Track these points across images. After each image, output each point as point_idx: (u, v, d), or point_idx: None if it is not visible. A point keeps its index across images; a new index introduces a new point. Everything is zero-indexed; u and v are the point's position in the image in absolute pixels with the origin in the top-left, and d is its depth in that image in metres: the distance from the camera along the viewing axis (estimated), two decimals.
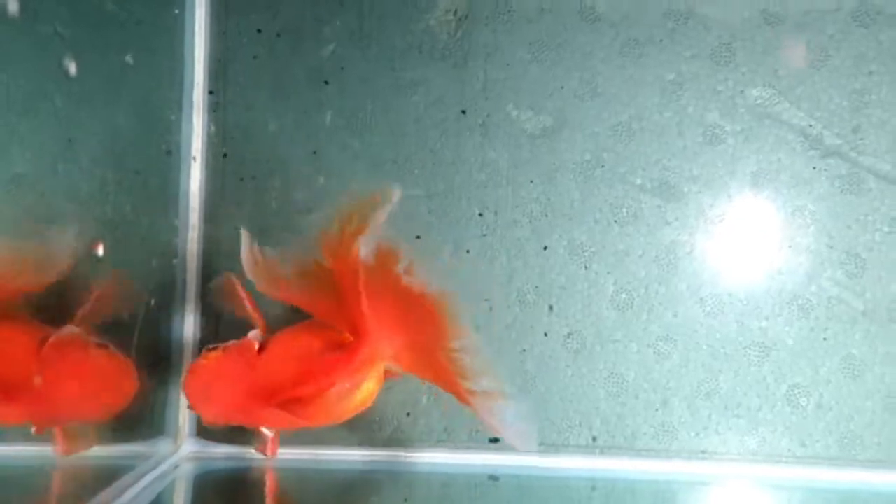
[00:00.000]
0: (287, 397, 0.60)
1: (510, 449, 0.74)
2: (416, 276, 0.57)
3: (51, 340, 0.57)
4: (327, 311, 0.63)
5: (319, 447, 0.75)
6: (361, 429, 0.75)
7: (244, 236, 0.63)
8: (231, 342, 0.64)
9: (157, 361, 0.75)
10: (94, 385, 0.60)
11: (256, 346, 0.64)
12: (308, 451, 0.75)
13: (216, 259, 0.76)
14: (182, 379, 0.68)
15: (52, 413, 0.57)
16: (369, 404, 0.64)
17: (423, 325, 0.59)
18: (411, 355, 0.61)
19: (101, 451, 0.68)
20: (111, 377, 0.62)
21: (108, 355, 0.61)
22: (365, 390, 0.63)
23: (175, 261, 0.76)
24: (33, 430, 0.59)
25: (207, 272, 0.75)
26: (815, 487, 0.72)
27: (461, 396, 0.59)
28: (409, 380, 0.74)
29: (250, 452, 0.73)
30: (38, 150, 0.63)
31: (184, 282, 0.76)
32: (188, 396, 0.64)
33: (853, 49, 0.72)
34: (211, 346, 0.64)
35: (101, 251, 0.66)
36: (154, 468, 0.70)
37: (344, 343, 0.62)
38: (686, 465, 0.74)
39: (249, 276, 0.63)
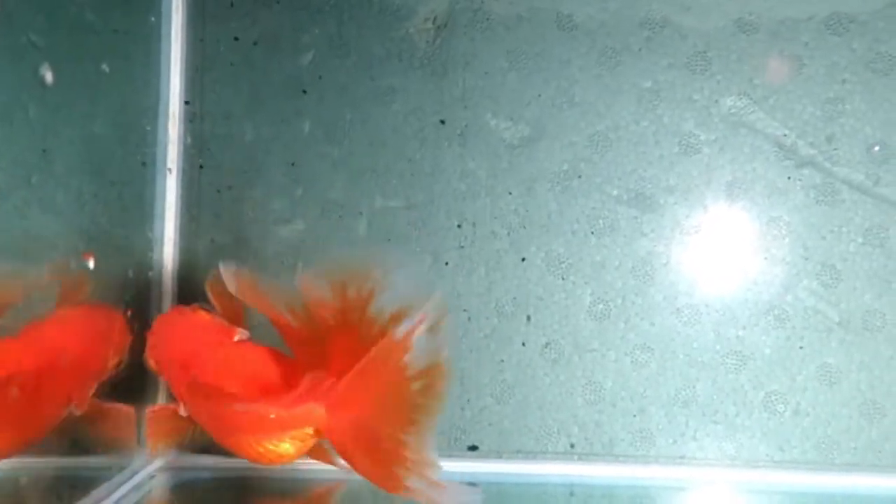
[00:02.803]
0: (203, 382, 0.59)
1: (489, 456, 0.75)
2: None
3: None
4: (299, 347, 0.61)
5: (297, 458, 0.75)
6: None
7: (224, 271, 0.61)
8: (223, 319, 0.64)
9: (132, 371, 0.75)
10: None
11: (237, 338, 0.63)
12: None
13: (192, 271, 0.75)
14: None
15: None
16: (275, 461, 0.59)
17: (389, 412, 0.54)
18: (354, 437, 0.56)
19: (76, 462, 0.68)
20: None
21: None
22: (275, 445, 0.58)
23: (151, 273, 0.75)
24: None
25: (183, 284, 0.75)
26: (793, 492, 0.73)
27: (394, 486, 0.55)
28: None
29: (227, 462, 0.73)
30: (12, 161, 0.63)
31: (160, 294, 0.75)
32: (153, 326, 0.65)
33: (826, 58, 0.73)
34: (206, 307, 0.64)
35: (91, 263, 0.66)
36: (129, 479, 0.70)
37: (296, 387, 0.58)
38: (664, 470, 0.74)
39: (231, 290, 0.62)
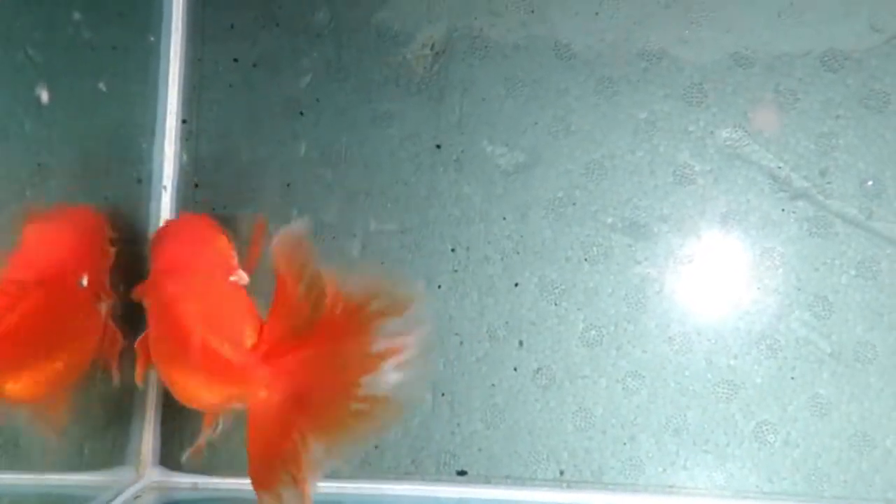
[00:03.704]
0: (177, 297, 0.58)
1: (478, 481, 0.75)
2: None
3: None
4: (280, 319, 0.57)
5: None
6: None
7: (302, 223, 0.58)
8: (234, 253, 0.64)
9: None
10: None
11: (233, 279, 0.63)
12: None
13: None
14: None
15: None
16: (193, 402, 0.59)
17: (317, 414, 0.53)
18: (275, 419, 0.55)
19: (62, 480, 0.67)
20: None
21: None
22: (207, 388, 0.58)
23: None
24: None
25: None
26: None
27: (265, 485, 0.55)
28: None
29: (215, 482, 0.73)
30: (7, 175, 0.63)
31: None
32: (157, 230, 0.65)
33: (821, 93, 0.73)
34: (227, 234, 0.65)
35: (84, 281, 0.65)
36: (115, 497, 0.70)
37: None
38: (653, 499, 0.74)
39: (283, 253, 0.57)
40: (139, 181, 0.75)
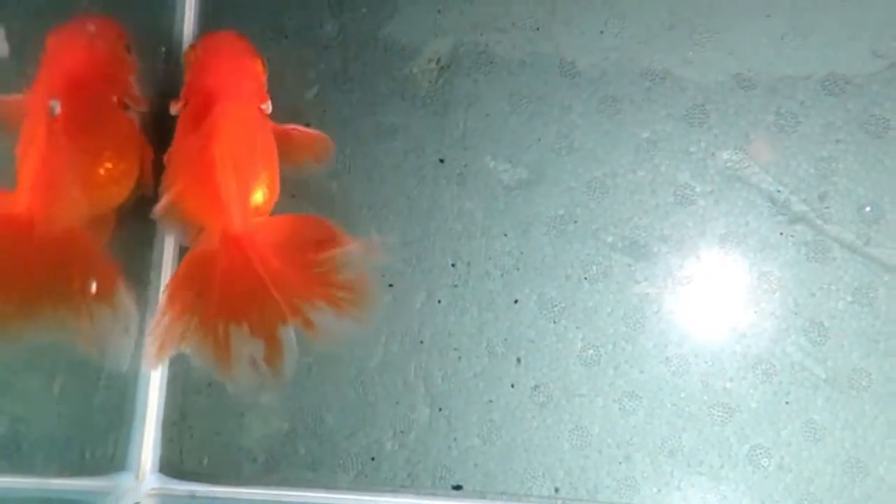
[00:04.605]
0: (213, 106, 0.64)
1: (473, 496, 0.75)
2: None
3: None
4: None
5: (283, 488, 0.75)
6: (325, 471, 0.75)
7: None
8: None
9: None
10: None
11: (266, 107, 0.69)
12: (271, 491, 0.74)
13: None
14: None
15: None
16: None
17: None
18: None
19: (62, 485, 0.67)
20: None
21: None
22: (193, 214, 0.64)
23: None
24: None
25: None
26: None
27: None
28: (375, 423, 0.74)
29: (213, 490, 0.73)
30: None
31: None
32: (205, 37, 0.70)
33: (822, 117, 0.74)
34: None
35: None
36: None
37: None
38: None
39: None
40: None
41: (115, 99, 0.64)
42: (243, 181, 0.63)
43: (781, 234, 0.74)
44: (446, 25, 0.78)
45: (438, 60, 0.78)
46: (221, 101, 0.64)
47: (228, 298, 0.62)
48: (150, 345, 0.63)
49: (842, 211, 0.73)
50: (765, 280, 0.74)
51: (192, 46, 0.69)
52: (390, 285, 0.76)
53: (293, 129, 0.70)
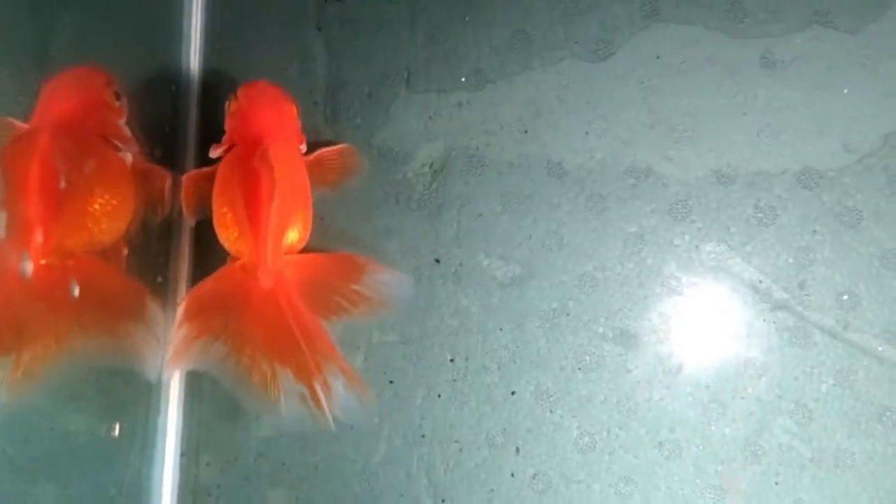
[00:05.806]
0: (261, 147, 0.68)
1: None
2: None
3: None
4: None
5: None
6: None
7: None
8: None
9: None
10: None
11: (303, 147, 0.75)
12: None
13: None
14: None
15: None
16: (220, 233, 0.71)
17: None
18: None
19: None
20: None
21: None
22: (231, 242, 0.70)
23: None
24: None
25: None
26: None
27: None
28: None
29: None
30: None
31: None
32: (243, 86, 0.74)
33: (798, 209, 0.78)
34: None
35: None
36: None
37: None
38: None
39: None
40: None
41: (101, 139, 0.68)
42: (283, 219, 0.68)
43: (764, 320, 0.77)
44: (437, 130, 0.82)
45: (431, 165, 0.81)
46: (268, 142, 0.69)
47: (269, 341, 0.67)
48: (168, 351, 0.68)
49: (821, 298, 0.77)
50: (750, 365, 0.77)
51: (234, 96, 0.73)
52: (391, 382, 0.79)
53: (321, 154, 0.76)
